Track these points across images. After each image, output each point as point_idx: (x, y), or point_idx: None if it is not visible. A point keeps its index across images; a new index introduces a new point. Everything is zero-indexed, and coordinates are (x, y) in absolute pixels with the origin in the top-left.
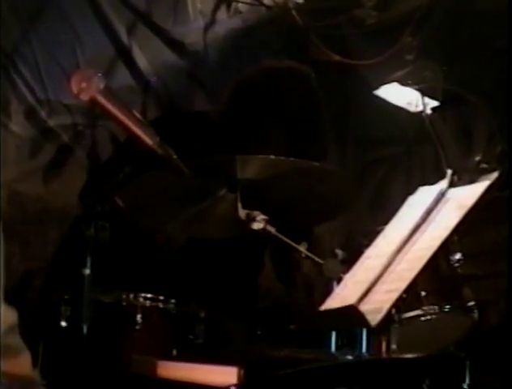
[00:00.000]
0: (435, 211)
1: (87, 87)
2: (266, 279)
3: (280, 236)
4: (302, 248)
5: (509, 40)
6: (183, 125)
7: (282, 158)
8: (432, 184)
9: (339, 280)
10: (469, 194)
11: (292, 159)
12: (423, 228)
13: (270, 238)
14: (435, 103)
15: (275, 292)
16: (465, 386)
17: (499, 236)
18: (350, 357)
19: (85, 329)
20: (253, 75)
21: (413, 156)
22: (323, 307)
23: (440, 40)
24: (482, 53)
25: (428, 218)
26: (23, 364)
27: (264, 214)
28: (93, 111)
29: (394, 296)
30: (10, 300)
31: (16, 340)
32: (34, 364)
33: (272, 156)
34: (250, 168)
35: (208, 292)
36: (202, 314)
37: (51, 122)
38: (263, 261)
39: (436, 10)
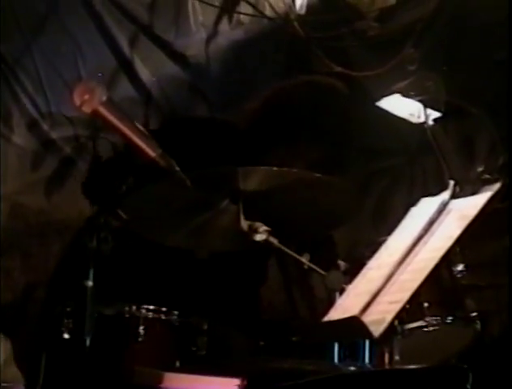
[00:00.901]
0: (437, 222)
1: (89, 99)
2: (268, 291)
3: (283, 247)
4: (304, 259)
5: (509, 51)
6: (205, 131)
7: (284, 169)
8: (434, 195)
9: (342, 291)
10: (471, 205)
11: (294, 170)
12: (425, 239)
13: (272, 250)
14: (437, 114)
15: (278, 304)
16: None
17: (500, 246)
18: (353, 368)
19: (88, 341)
20: (290, 87)
21: (415, 167)
22: (326, 318)
23: (441, 51)
24: (483, 64)
25: (430, 229)
26: None
27: (267, 225)
28: (95, 123)
29: (397, 307)
30: (11, 312)
31: (12, 372)
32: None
33: (274, 168)
34: (253, 179)
35: (211, 303)
36: (205, 326)
37: (53, 134)
38: (266, 273)
39: (437, 22)
